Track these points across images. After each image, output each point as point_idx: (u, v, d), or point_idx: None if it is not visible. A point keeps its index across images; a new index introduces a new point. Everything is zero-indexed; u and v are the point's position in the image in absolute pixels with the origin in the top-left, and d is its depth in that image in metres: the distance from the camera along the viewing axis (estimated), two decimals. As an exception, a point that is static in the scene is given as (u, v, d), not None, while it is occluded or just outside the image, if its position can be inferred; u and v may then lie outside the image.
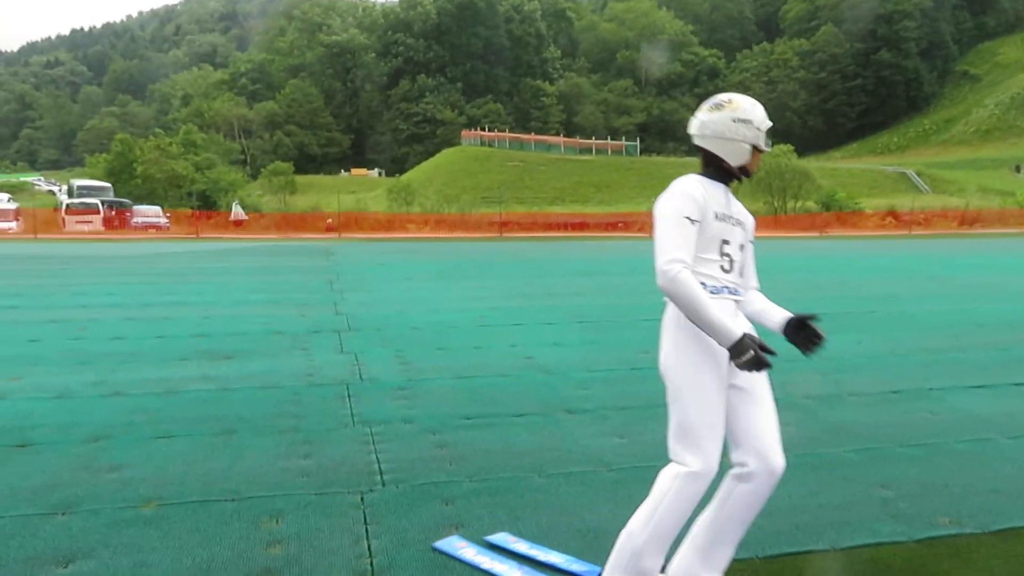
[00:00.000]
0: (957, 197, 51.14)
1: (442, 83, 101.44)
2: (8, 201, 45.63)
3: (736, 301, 2.60)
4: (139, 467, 3.98)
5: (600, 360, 6.30)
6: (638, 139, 73.95)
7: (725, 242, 2.55)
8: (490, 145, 68.42)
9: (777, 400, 5.15)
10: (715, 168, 2.59)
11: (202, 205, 46.83)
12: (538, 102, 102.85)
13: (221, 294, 9.96)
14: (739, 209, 2.66)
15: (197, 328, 7.59)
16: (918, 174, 65.61)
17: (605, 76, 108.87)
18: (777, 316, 2.69)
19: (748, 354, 2.31)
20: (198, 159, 58.32)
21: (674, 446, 2.50)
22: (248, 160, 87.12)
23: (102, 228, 35.76)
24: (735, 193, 2.67)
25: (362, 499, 3.61)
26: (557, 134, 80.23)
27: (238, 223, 38.55)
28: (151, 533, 3.24)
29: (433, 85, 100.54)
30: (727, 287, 2.55)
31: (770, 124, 2.58)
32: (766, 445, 2.54)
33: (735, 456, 2.57)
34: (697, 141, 2.61)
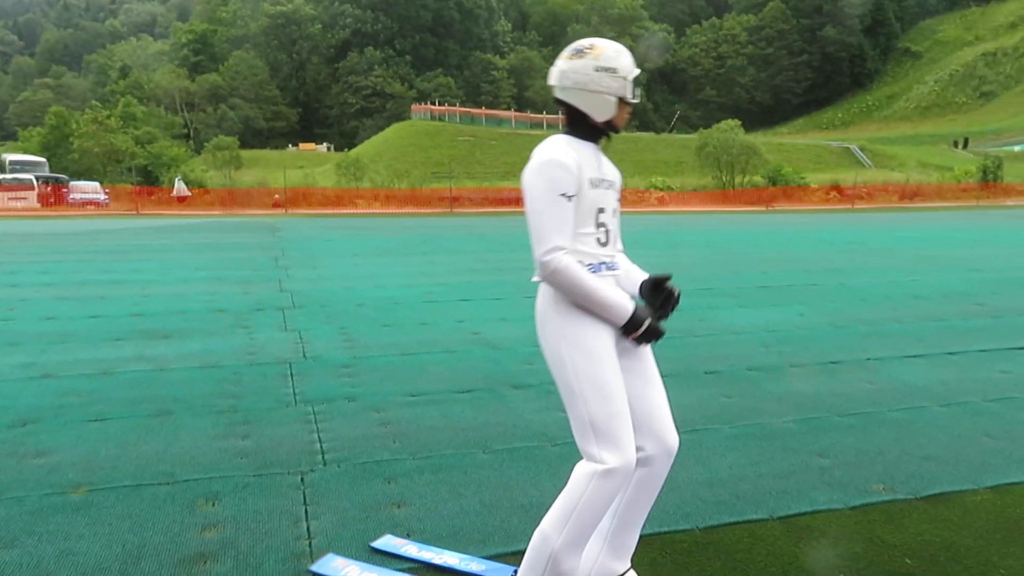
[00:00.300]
0: (898, 172, 52.48)
1: (391, 56, 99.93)
2: (-66, 177, 43.72)
3: (614, 276, 2.42)
4: (68, 451, 3.84)
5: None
6: (588, 114, 73.89)
7: (600, 211, 2.33)
8: (441, 119, 67.78)
9: (722, 372, 5.26)
10: (582, 126, 2.34)
11: (143, 181, 45.47)
12: (489, 76, 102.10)
13: (161, 272, 9.68)
14: (610, 169, 2.43)
15: (134, 307, 7.36)
16: (861, 149, 67.11)
17: (556, 50, 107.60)
18: (635, 276, 2.51)
19: (644, 326, 2.29)
20: (138, 133, 56.54)
21: (584, 445, 2.28)
22: (192, 134, 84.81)
23: (37, 205, 34.53)
24: (604, 151, 2.45)
25: (302, 479, 3.54)
26: (508, 108, 79.83)
27: (181, 199, 37.55)
28: (79, 520, 3.12)
29: (382, 58, 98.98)
30: (604, 262, 2.36)
31: (638, 72, 2.33)
32: (662, 426, 2.47)
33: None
34: (558, 94, 2.33)
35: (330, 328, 6.58)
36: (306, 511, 3.23)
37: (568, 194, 2.21)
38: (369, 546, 2.93)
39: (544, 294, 2.33)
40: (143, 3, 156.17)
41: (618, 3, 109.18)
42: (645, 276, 2.51)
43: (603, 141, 2.40)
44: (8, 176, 38.03)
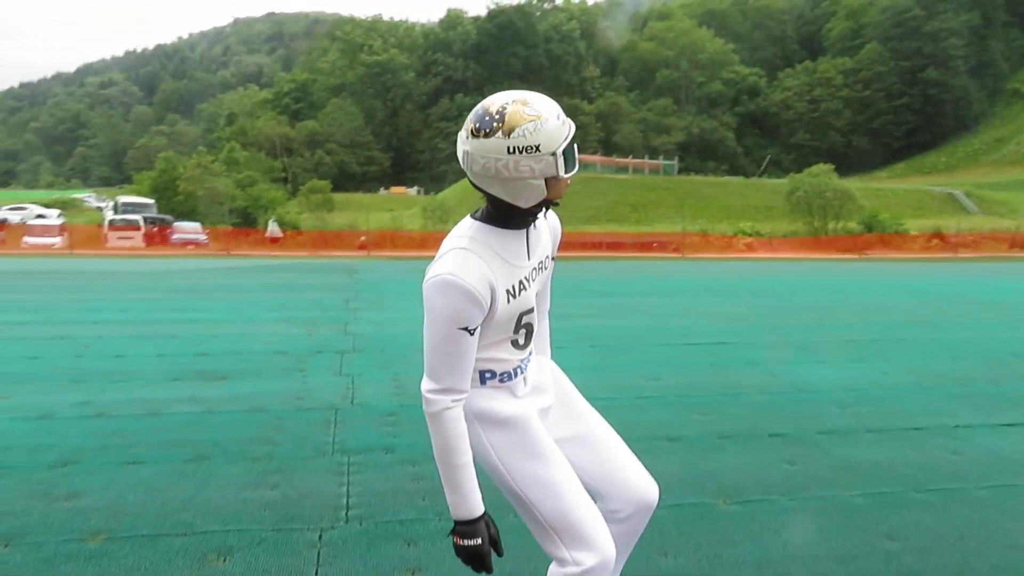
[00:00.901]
0: (1008, 219, 49.61)
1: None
2: (58, 217, 46.77)
3: (535, 384, 2.14)
4: (98, 495, 3.81)
5: (602, 386, 6.00)
6: (676, 158, 73.46)
7: (524, 314, 1.97)
8: (527, 163, 68.31)
9: (788, 435, 4.87)
10: (505, 213, 1.87)
11: (242, 222, 47.48)
12: (576, 120, 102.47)
13: (233, 311, 9.88)
14: (542, 248, 2.02)
15: (199, 347, 7.48)
16: (967, 195, 63.93)
17: (644, 95, 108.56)
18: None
19: (470, 544, 1.93)
20: (240, 176, 59.29)
21: (551, 550, 1.99)
22: (289, 178, 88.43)
23: (142, 244, 36.40)
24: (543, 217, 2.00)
25: (320, 537, 3.38)
26: (595, 152, 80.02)
27: (274, 240, 38.96)
28: (89, 570, 3.05)
29: (472, 103, 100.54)
30: (519, 366, 2.05)
31: (568, 137, 1.78)
32: (636, 485, 2.19)
33: (604, 506, 2.15)
34: (470, 177, 1.86)
35: (383, 373, 6.49)
36: (316, 572, 3.07)
37: (471, 328, 1.84)
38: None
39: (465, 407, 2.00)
40: (251, 55, 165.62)
41: (708, 48, 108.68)
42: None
43: (541, 213, 1.94)
44: (118, 217, 40.34)
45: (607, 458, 2.19)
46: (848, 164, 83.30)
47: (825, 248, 35.65)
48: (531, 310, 2.00)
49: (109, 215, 44.28)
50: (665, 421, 5.19)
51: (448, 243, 1.89)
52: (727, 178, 67.95)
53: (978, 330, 9.29)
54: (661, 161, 68.38)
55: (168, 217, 43.44)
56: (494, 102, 1.78)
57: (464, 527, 1.94)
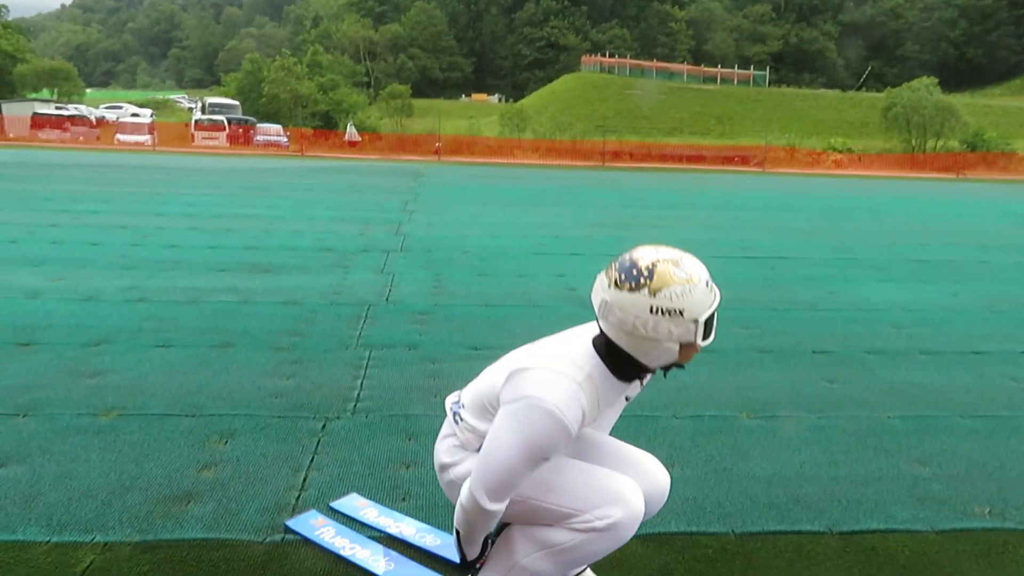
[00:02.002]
0: None
1: (567, 6, 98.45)
2: (150, 116, 48.11)
3: None
4: (121, 374, 3.89)
5: (646, 296, 5.79)
6: (768, 69, 69.68)
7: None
8: (610, 72, 66.16)
9: (833, 353, 4.60)
10: (623, 363, 1.78)
11: (323, 125, 47.85)
12: (666, 28, 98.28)
13: (293, 210, 9.96)
14: (634, 390, 1.96)
15: (252, 241, 7.57)
16: (1088, 114, 58.74)
17: (740, 1, 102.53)
18: None
19: (470, 562, 2.02)
20: (323, 80, 59.39)
21: (578, 526, 1.86)
22: (371, 83, 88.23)
23: (226, 144, 37.18)
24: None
25: (323, 426, 3.37)
26: (683, 62, 76.70)
27: (352, 144, 39.19)
28: (94, 443, 3.12)
29: (558, 8, 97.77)
30: None
31: (715, 303, 1.71)
32: (648, 470, 2.08)
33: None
34: (600, 324, 1.77)
35: (425, 273, 6.43)
36: (312, 460, 3.06)
37: (550, 457, 1.78)
38: (328, 505, 2.70)
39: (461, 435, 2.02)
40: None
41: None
42: None
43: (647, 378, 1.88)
44: (204, 117, 41.18)
45: (615, 450, 2.09)
46: (959, 79, 77.48)
47: (921, 167, 33.57)
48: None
49: (196, 115, 45.24)
50: (703, 333, 4.96)
51: (560, 363, 1.77)
52: (821, 91, 64.17)
53: (1073, 256, 8.56)
54: (751, 72, 64.92)
55: (252, 119, 44.10)
56: (643, 256, 1.70)
57: (467, 560, 2.03)
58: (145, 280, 5.84)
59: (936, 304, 5.93)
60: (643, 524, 2.60)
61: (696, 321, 1.67)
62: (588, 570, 2.19)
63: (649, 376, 1.92)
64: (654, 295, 1.65)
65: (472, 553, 1.99)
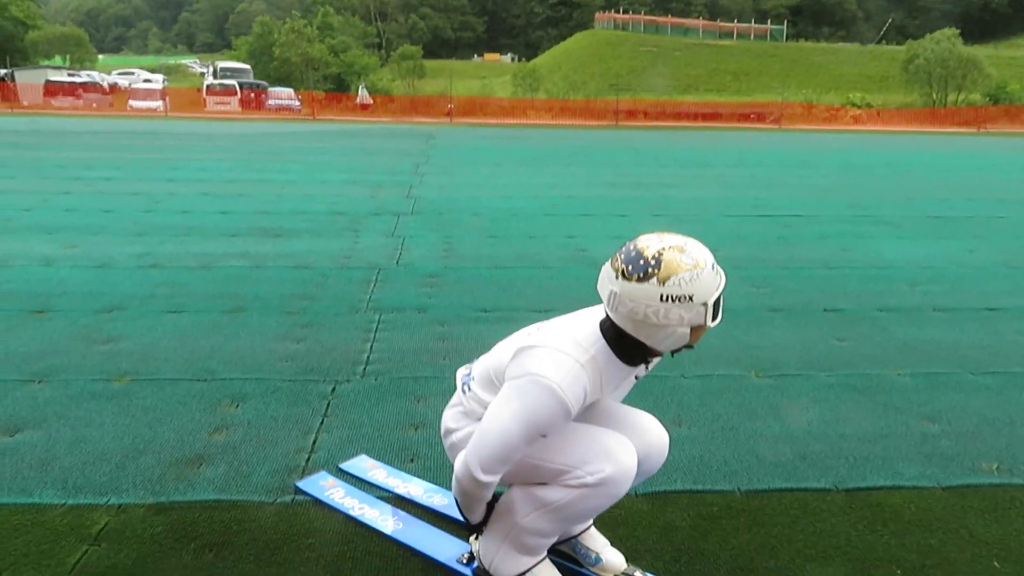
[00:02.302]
0: None
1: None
2: (162, 82, 47.94)
3: None
4: (134, 340, 3.94)
5: (657, 256, 5.76)
6: (785, 23, 68.20)
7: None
8: (625, 28, 65.07)
9: (845, 311, 4.57)
10: (632, 349, 1.80)
11: (335, 88, 47.53)
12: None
13: (304, 174, 9.95)
14: (639, 373, 1.96)
15: (264, 206, 7.58)
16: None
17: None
18: None
19: (472, 529, 2.05)
20: (334, 42, 58.82)
21: (570, 482, 1.86)
22: (383, 44, 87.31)
23: (238, 108, 37.06)
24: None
25: (333, 389, 3.41)
26: (699, 17, 75.22)
27: (364, 107, 38.94)
28: (108, 408, 3.17)
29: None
30: None
31: (722, 285, 1.72)
32: (646, 427, 2.05)
33: None
34: (609, 313, 1.78)
35: (435, 236, 6.42)
36: (322, 422, 3.09)
37: (546, 435, 1.80)
38: (337, 466, 2.73)
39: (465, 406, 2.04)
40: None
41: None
42: None
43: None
44: (216, 82, 41.00)
45: (612, 411, 2.08)
46: (982, 29, 75.45)
47: (941, 122, 32.97)
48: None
49: (208, 80, 45.04)
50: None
51: (565, 344, 1.80)
52: (840, 44, 62.87)
53: (1094, 210, 8.41)
54: (769, 26, 63.60)
55: (263, 83, 43.87)
56: (649, 245, 1.71)
57: (471, 524, 2.04)
58: (157, 246, 5.87)
59: (952, 260, 5.86)
60: (648, 482, 2.63)
61: (706, 304, 1.69)
62: (593, 527, 2.21)
63: (658, 359, 1.93)
64: (663, 284, 1.66)
65: (474, 518, 2.01)
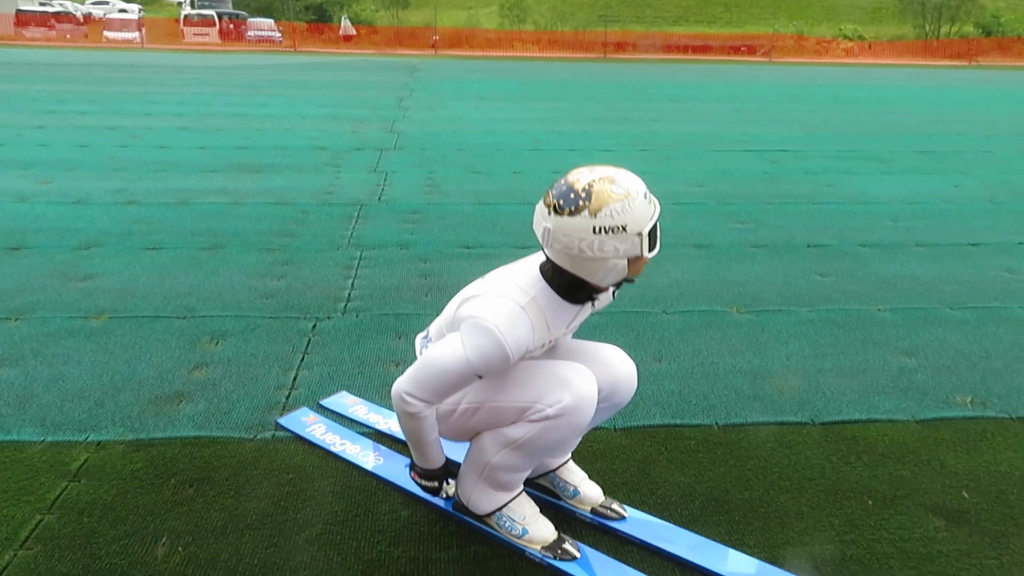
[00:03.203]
0: None
1: None
2: (138, 12, 46.46)
3: None
4: (113, 277, 3.89)
5: (642, 192, 5.71)
6: (780, -50, 66.51)
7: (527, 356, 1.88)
8: (614, -44, 63.30)
9: (828, 247, 4.57)
10: (573, 287, 1.79)
11: (317, 19, 46.25)
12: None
13: (285, 107, 9.74)
14: (585, 313, 1.94)
15: (243, 141, 7.43)
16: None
17: None
18: None
19: (427, 484, 2.04)
20: (314, -30, 56.99)
21: (533, 417, 1.85)
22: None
23: (218, 40, 36.07)
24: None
25: (314, 327, 3.39)
26: (690, -55, 73.00)
27: (347, 38, 37.99)
28: (86, 345, 3.14)
29: None
30: None
31: (655, 214, 1.69)
32: (611, 359, 2.03)
33: None
34: (546, 252, 1.76)
35: (418, 172, 6.33)
36: (303, 359, 3.09)
37: (482, 376, 1.79)
38: (318, 403, 2.74)
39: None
40: None
41: None
42: None
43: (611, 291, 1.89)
44: (194, 12, 39.79)
45: (572, 347, 2.07)
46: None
47: (934, 54, 32.57)
48: (534, 356, 1.93)
49: (186, 10, 43.68)
50: (698, 228, 4.93)
51: (507, 288, 1.79)
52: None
53: (1081, 145, 8.38)
54: (762, -46, 62.11)
55: (243, 13, 42.61)
56: (579, 178, 1.67)
57: (427, 472, 2.02)
58: (135, 182, 5.77)
59: (937, 196, 5.85)
60: (627, 417, 2.66)
61: (640, 234, 1.66)
62: (571, 462, 2.23)
63: (600, 298, 1.93)
64: (595, 215, 1.64)
65: (424, 461, 1.99)
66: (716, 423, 2.68)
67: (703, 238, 4.74)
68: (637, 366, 3.02)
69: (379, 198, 5.52)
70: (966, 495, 2.31)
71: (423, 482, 2.05)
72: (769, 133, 8.42)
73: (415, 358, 2.13)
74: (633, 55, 29.99)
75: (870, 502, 2.26)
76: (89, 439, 2.48)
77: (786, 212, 5.33)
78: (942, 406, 2.82)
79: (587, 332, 2.28)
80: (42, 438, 2.48)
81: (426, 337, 2.08)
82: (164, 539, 2.03)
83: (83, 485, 2.25)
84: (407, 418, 1.86)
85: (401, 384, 1.82)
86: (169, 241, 4.48)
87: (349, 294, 3.76)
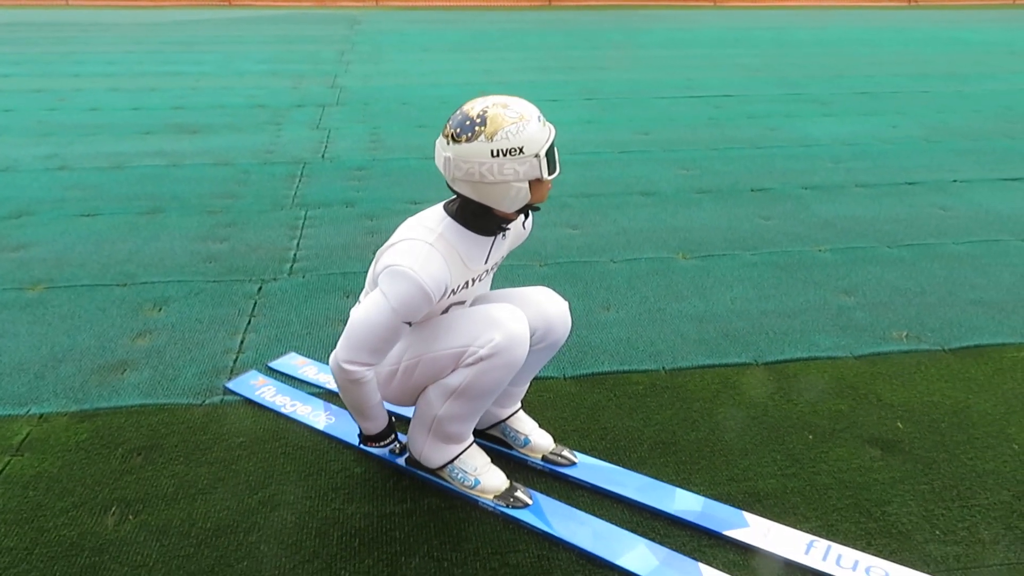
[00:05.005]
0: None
1: None
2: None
3: None
4: (47, 246, 3.77)
5: (590, 141, 5.71)
6: None
7: (454, 304, 1.94)
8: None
9: (771, 190, 4.64)
10: (482, 218, 1.83)
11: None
12: None
13: (220, 64, 9.40)
14: (504, 247, 1.99)
15: (178, 100, 7.18)
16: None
17: None
18: None
19: (384, 445, 2.09)
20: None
21: (470, 351, 1.87)
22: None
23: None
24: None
25: (260, 289, 3.35)
26: None
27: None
28: (23, 317, 3.06)
29: None
30: None
31: (551, 137, 1.75)
32: (541, 301, 2.06)
33: None
34: (449, 184, 1.81)
35: (362, 128, 6.21)
36: (249, 322, 3.05)
37: (413, 321, 1.82)
38: (266, 365, 2.72)
39: None
40: None
41: None
42: None
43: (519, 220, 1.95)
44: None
45: (500, 293, 2.10)
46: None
47: (875, -5, 32.77)
48: (462, 302, 1.96)
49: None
50: (644, 176, 4.95)
51: (414, 231, 1.83)
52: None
53: (1013, 83, 8.59)
54: None
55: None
56: (473, 107, 1.74)
57: (378, 435, 2.06)
58: (65, 147, 5.55)
59: (876, 137, 5.95)
60: (576, 365, 2.70)
61: (537, 156, 1.72)
62: (521, 411, 2.26)
63: (513, 228, 1.97)
64: (491, 139, 1.69)
65: (368, 426, 2.03)
66: (663, 368, 2.74)
67: (649, 186, 4.76)
68: (585, 315, 3.07)
69: (322, 156, 5.41)
70: (900, 426, 2.41)
71: (379, 446, 2.10)
72: (713, 78, 8.43)
73: None
74: (579, 2, 29.59)
75: (811, 437, 2.35)
76: (31, 412, 2.43)
77: (730, 157, 5.38)
78: (879, 341, 2.92)
79: (532, 284, 2.29)
80: (-19, 414, 2.42)
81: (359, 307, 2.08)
82: (114, 508, 2.02)
83: (26, 459, 2.21)
84: (350, 386, 1.86)
85: (338, 354, 1.83)
86: (105, 207, 4.34)
87: (295, 254, 3.71)
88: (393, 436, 2.10)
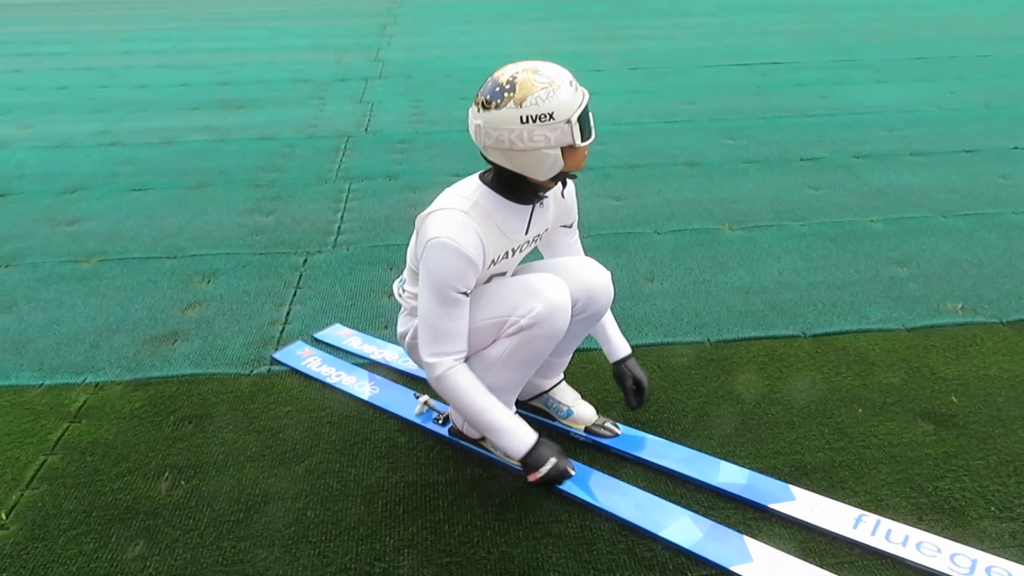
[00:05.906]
0: None
1: None
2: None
3: None
4: (99, 220, 3.86)
5: (633, 111, 5.62)
6: None
7: (495, 276, 1.92)
8: None
9: (821, 159, 4.53)
10: (518, 186, 1.79)
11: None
12: None
13: (265, 40, 9.47)
14: (547, 218, 1.96)
15: (224, 76, 7.26)
16: None
17: None
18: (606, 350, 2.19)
19: (544, 472, 1.80)
20: None
21: (511, 320, 1.84)
22: None
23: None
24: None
25: (305, 261, 3.38)
26: None
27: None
28: (79, 289, 3.14)
29: None
30: None
31: (584, 102, 1.69)
32: (583, 269, 2.00)
33: None
34: (481, 152, 1.77)
35: (405, 100, 6.21)
36: (295, 294, 3.09)
37: (467, 290, 1.78)
38: (312, 336, 2.76)
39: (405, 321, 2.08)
40: None
41: None
42: (614, 355, 2.16)
43: (557, 188, 1.91)
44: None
45: (551, 262, 2.06)
46: None
47: (932, -43, 31.56)
48: (503, 273, 1.94)
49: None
50: (689, 146, 4.87)
51: (449, 200, 1.80)
52: None
53: (1080, 45, 8.20)
54: None
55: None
56: (503, 73, 1.69)
57: (529, 460, 1.82)
58: (116, 123, 5.66)
59: (932, 103, 5.75)
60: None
61: (569, 121, 1.67)
62: (564, 383, 2.26)
63: (552, 197, 1.95)
64: (520, 105, 1.64)
65: (504, 446, 1.85)
66: (708, 340, 2.70)
67: (694, 156, 4.68)
68: (629, 287, 3.04)
69: (365, 129, 5.43)
70: (955, 399, 2.34)
71: (540, 474, 1.81)
72: (761, 45, 8.22)
73: (399, 305, 2.14)
74: (622, -30, 29.03)
75: (860, 410, 2.30)
76: (87, 381, 2.51)
77: (778, 126, 5.25)
78: (933, 314, 2.84)
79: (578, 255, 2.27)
80: (40, 381, 2.50)
81: (402, 281, 2.08)
82: (167, 474, 2.07)
83: (84, 426, 2.28)
84: (441, 384, 1.82)
85: (421, 356, 1.82)
86: (155, 181, 4.42)
87: (339, 227, 3.74)
88: (555, 461, 1.82)
